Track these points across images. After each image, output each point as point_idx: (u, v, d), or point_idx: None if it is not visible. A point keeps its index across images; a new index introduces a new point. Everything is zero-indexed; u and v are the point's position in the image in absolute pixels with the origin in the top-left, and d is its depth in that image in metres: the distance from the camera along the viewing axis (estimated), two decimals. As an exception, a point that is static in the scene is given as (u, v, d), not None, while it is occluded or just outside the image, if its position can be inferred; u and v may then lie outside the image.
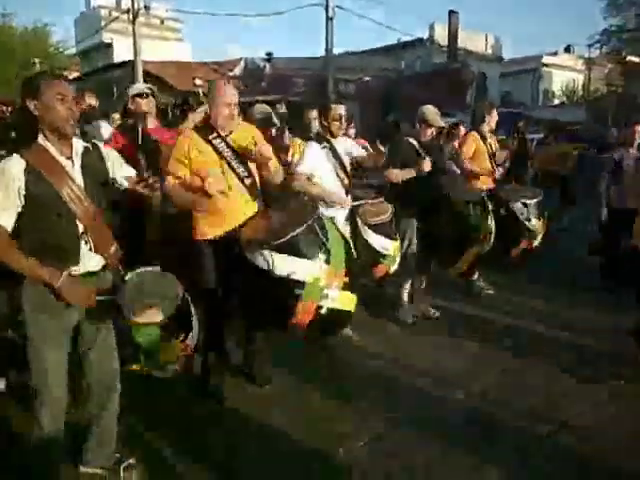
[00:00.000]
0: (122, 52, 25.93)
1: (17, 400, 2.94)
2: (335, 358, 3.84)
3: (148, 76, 16.72)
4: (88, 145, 2.28)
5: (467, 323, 4.45)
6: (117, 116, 5.33)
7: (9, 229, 2.05)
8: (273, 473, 2.60)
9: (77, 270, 2.16)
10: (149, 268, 2.37)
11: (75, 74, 27.75)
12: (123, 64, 20.17)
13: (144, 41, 20.32)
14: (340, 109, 3.84)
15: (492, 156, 5.03)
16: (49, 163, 2.10)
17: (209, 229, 3.02)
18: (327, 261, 2.69)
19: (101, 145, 2.44)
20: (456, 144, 5.80)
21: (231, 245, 2.87)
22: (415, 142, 4.33)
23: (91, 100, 4.38)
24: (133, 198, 3.65)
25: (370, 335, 4.13)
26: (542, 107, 28.08)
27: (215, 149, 2.98)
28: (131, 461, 2.47)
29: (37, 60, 28.64)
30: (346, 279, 2.80)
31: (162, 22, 45.50)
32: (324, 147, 3.77)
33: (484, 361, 3.75)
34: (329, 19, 15.11)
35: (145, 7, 19.13)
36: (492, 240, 4.41)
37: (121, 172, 2.43)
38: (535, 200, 4.68)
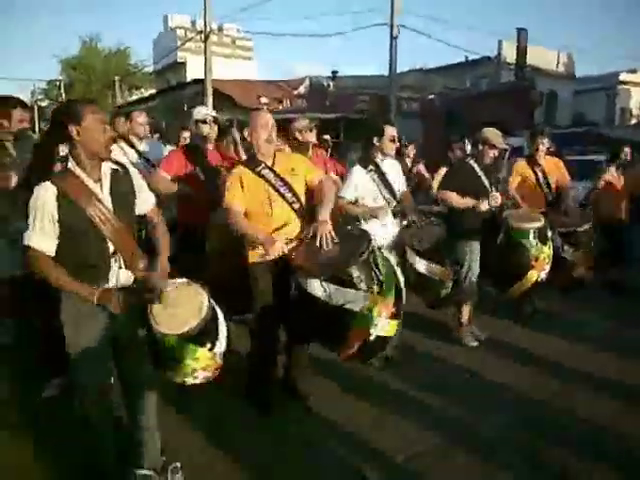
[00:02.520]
0: (195, 71, 27.16)
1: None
2: (380, 374, 3.80)
3: (216, 94, 17.41)
4: (116, 167, 2.40)
5: (517, 346, 4.31)
6: (187, 134, 5.55)
7: (51, 252, 2.21)
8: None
9: (109, 286, 2.31)
10: (177, 280, 2.46)
11: (150, 91, 29.29)
12: (194, 82, 21.11)
13: (216, 60, 21.21)
14: (393, 130, 3.86)
15: (547, 181, 4.89)
16: (79, 188, 2.22)
17: (260, 254, 3.10)
18: (380, 292, 2.77)
19: (129, 167, 2.56)
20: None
21: (282, 268, 3.00)
22: (476, 165, 4.28)
23: (142, 120, 4.56)
24: (190, 214, 3.85)
25: (416, 355, 4.10)
26: (618, 127, 26.76)
27: (265, 180, 3.13)
28: (177, 464, 2.58)
29: (117, 78, 30.53)
30: (394, 309, 2.85)
31: (234, 42, 47.38)
32: (370, 170, 3.78)
33: (532, 385, 3.61)
34: (393, 38, 15.16)
35: (218, 28, 20.02)
36: (549, 267, 4.27)
37: (141, 200, 2.50)
38: (572, 229, 4.52)
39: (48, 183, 2.18)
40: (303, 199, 3.22)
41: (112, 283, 2.33)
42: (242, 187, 3.10)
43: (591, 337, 4.45)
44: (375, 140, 3.83)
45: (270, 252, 2.93)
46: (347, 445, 2.94)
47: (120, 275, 2.35)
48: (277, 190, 3.12)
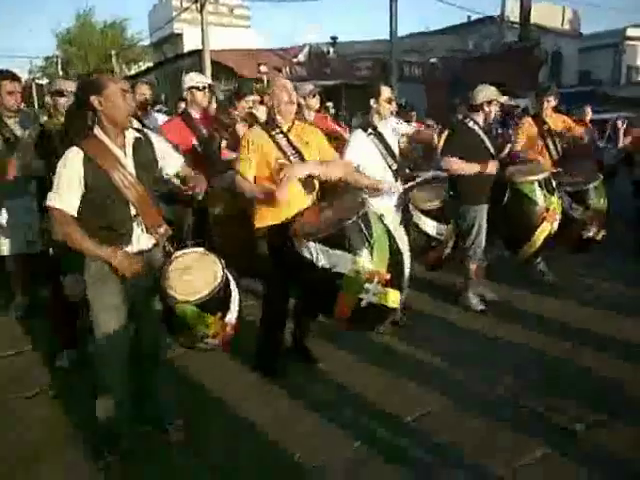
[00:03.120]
0: (192, 41, 26.71)
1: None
2: (389, 341, 3.82)
3: (215, 64, 17.16)
4: (139, 135, 2.47)
5: (524, 310, 4.30)
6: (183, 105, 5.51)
7: (74, 212, 2.28)
8: (319, 446, 2.67)
9: (131, 249, 2.38)
10: (193, 249, 2.56)
11: (148, 64, 28.91)
12: (191, 53, 20.79)
13: (213, 29, 20.84)
14: (388, 91, 3.77)
15: (553, 139, 4.82)
16: (104, 153, 2.31)
17: (268, 218, 3.13)
18: (369, 257, 2.76)
19: (152, 135, 2.62)
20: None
21: (284, 236, 3.00)
22: (477, 128, 4.18)
23: (145, 91, 4.57)
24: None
25: (427, 320, 4.12)
26: (624, 85, 26.23)
27: (277, 144, 3.11)
28: (180, 421, 2.70)
29: (114, 52, 30.08)
30: (388, 276, 2.80)
31: (231, 10, 46.39)
32: (370, 134, 3.71)
33: (542, 347, 3.63)
34: (393, 1, 14.80)
35: (215, -3, 19.60)
36: (559, 219, 4.24)
37: (169, 163, 2.62)
38: (581, 187, 4.47)
39: (75, 147, 2.27)
40: None
41: (134, 246, 2.39)
42: (253, 152, 3.09)
43: (602, 299, 4.46)
44: (372, 102, 3.76)
45: (280, 196, 2.92)
46: (358, 406, 2.99)
47: (141, 239, 2.42)
48: (287, 157, 3.10)
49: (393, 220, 3.67)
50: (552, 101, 4.86)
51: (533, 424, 2.81)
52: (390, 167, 3.75)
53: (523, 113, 6.86)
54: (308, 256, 2.74)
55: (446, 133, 4.38)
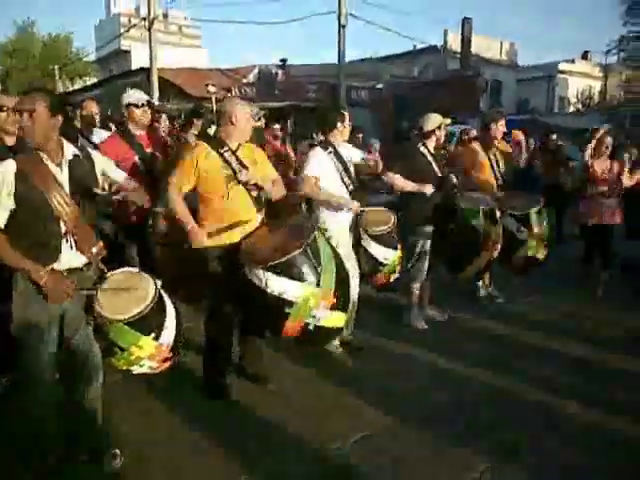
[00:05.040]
0: (140, 59, 26.35)
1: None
2: (335, 359, 3.86)
3: (163, 82, 16.97)
4: (78, 152, 2.44)
5: (471, 328, 4.48)
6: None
7: (1, 225, 2.25)
8: (268, 466, 2.67)
9: (58, 266, 2.33)
10: (127, 268, 2.53)
11: (93, 80, 28.24)
12: (139, 71, 20.49)
13: (162, 48, 20.66)
14: (347, 116, 3.90)
15: (498, 164, 5.00)
16: (39, 169, 2.29)
17: (212, 238, 3.11)
18: (317, 283, 2.83)
19: (93, 152, 2.61)
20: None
21: (233, 255, 3.02)
22: (428, 154, 4.37)
23: (93, 108, 4.51)
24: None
25: (373, 338, 4.19)
26: (557, 114, 27.86)
27: (225, 161, 3.12)
28: (117, 451, 2.63)
29: (57, 67, 29.20)
30: (334, 300, 2.89)
31: (180, 29, 46.15)
32: (329, 152, 3.80)
33: (483, 365, 3.76)
34: (341, 27, 15.20)
35: (164, 15, 19.49)
36: (499, 247, 4.44)
37: (114, 174, 2.64)
38: (526, 211, 4.68)
39: (10, 160, 2.26)
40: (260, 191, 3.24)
41: (62, 264, 2.34)
42: (197, 167, 3.07)
43: (546, 317, 4.73)
44: (338, 124, 3.84)
45: (193, 243, 3.03)
46: (307, 426, 3.00)
47: (71, 257, 2.37)
48: (237, 175, 3.10)
49: (348, 242, 3.77)
50: (501, 127, 5.07)
51: (477, 440, 2.88)
52: (347, 187, 3.85)
53: (463, 137, 7.14)
54: (257, 282, 2.79)
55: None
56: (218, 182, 3.08)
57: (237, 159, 3.14)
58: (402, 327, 4.45)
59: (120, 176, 2.68)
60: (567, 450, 2.78)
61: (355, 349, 3.98)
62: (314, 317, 2.82)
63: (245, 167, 3.13)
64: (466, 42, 21.21)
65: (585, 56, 34.23)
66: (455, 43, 23.80)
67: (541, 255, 4.77)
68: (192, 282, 3.42)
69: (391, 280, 4.09)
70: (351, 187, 3.88)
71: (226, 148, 3.15)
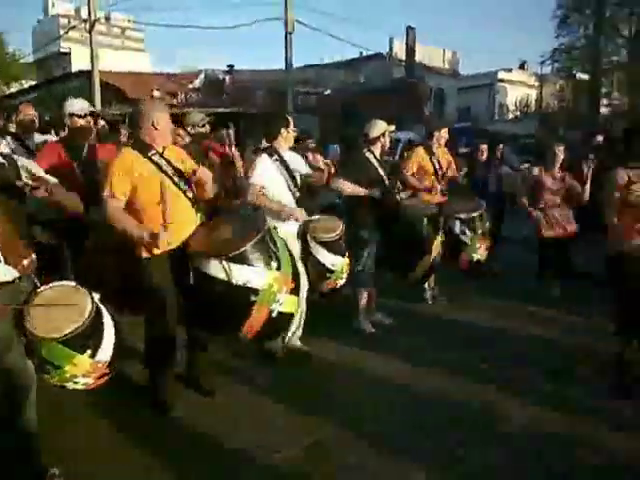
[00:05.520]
0: (81, 61, 25.52)
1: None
2: (283, 367, 3.85)
3: (105, 86, 16.50)
4: (3, 161, 2.33)
5: (418, 331, 4.54)
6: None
7: None
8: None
9: None
10: (63, 282, 2.38)
11: (30, 82, 27.08)
12: (80, 74, 19.84)
13: (104, 51, 20.10)
14: (291, 121, 3.92)
15: (439, 172, 5.15)
16: None
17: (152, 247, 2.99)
18: (278, 268, 2.93)
19: (21, 159, 2.49)
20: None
21: (179, 258, 2.97)
22: (374, 159, 4.44)
23: (30, 112, 4.34)
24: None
25: (321, 343, 4.17)
26: (497, 121, 29.03)
27: (156, 165, 3.02)
28: (55, 471, 2.49)
29: (-10, 69, 27.81)
30: (293, 284, 3.02)
31: (123, 32, 45.00)
32: (275, 159, 3.80)
33: (432, 367, 3.81)
34: (288, 33, 15.29)
35: (105, 17, 18.97)
36: (441, 251, 4.59)
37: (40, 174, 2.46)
38: (471, 215, 4.88)
39: None
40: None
41: None
42: (130, 175, 2.94)
43: (491, 315, 4.85)
44: (283, 131, 3.83)
45: (158, 246, 2.88)
46: (256, 435, 2.97)
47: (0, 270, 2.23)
48: (170, 178, 3.03)
49: (296, 250, 3.77)
50: (444, 135, 5.21)
51: (427, 440, 2.92)
52: (293, 194, 3.86)
53: (410, 144, 7.34)
54: (220, 275, 2.78)
55: (340, 160, 4.64)
56: (153, 188, 2.95)
57: (167, 162, 3.06)
58: (351, 332, 4.48)
59: (44, 175, 2.50)
60: (502, 451, 2.83)
61: (303, 356, 3.97)
62: (278, 302, 2.90)
63: (178, 170, 3.07)
64: (410, 50, 21.76)
65: (522, 66, 35.88)
66: (400, 51, 24.38)
67: (483, 256, 4.98)
68: (131, 293, 3.30)
69: (338, 286, 4.15)
70: (297, 194, 3.90)
71: (154, 152, 3.05)
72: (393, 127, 4.68)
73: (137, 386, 3.45)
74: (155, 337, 3.18)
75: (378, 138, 4.43)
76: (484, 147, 6.21)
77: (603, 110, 22.49)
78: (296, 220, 3.82)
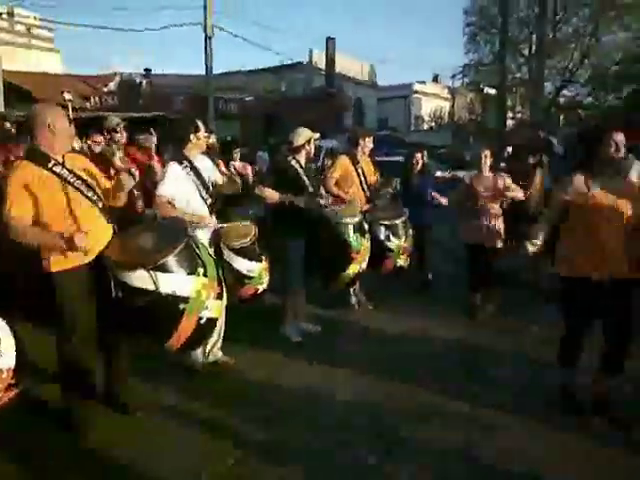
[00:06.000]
0: (-20, 59, 23.63)
1: None
2: (204, 380, 3.75)
3: (8, 87, 15.43)
4: None
5: (345, 337, 4.61)
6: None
7: None
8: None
9: None
10: None
11: None
12: (-20, 73, 18.39)
13: (7, 49, 18.79)
14: (204, 127, 3.81)
15: (364, 179, 5.23)
16: None
17: (66, 258, 2.81)
18: (205, 274, 2.90)
19: None
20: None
21: (96, 270, 2.83)
22: (299, 167, 4.44)
23: None
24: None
25: (245, 353, 4.12)
26: (413, 131, 30.27)
27: (59, 177, 2.81)
28: None
29: None
30: (218, 289, 3.01)
31: (29, 30, 42.16)
32: (185, 167, 3.67)
33: (356, 374, 3.85)
34: (208, 38, 15.08)
35: (8, 13, 17.76)
36: (367, 258, 4.69)
37: None
38: (395, 221, 5.03)
39: None
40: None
41: None
42: (30, 190, 2.71)
43: (417, 319, 4.94)
44: (192, 137, 3.71)
45: (80, 247, 2.67)
46: (172, 460, 2.86)
47: None
48: (77, 189, 2.85)
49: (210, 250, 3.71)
50: (369, 144, 5.27)
51: (327, 458, 2.88)
52: (205, 201, 3.76)
53: (331, 152, 7.45)
54: (147, 286, 2.69)
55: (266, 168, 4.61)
56: (58, 203, 2.77)
57: (70, 172, 2.85)
58: (276, 340, 4.45)
59: None
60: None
61: (225, 367, 3.89)
62: (207, 308, 2.88)
63: (83, 180, 2.90)
64: (330, 60, 22.18)
65: (435, 79, 37.70)
66: (320, 61, 24.78)
67: (406, 261, 5.15)
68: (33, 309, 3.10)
69: (258, 293, 4.12)
70: (210, 201, 3.78)
71: (53, 162, 2.82)
72: (318, 135, 4.73)
73: (51, 407, 3.23)
74: (68, 358, 2.97)
75: (303, 146, 4.45)
76: (419, 156, 6.06)
77: (509, 122, 24.03)
78: (207, 226, 3.72)
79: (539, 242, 3.28)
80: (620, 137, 2.99)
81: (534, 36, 23.69)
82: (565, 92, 26.47)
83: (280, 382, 3.75)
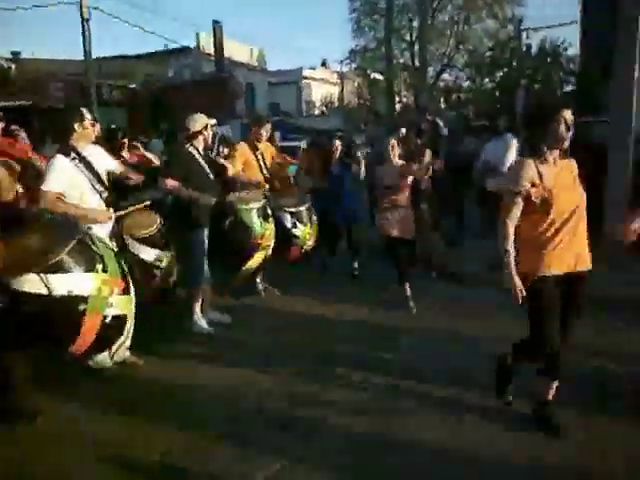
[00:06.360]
0: None
1: None
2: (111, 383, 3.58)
3: None
4: None
5: (255, 326, 4.61)
6: None
7: None
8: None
9: None
10: None
11: None
12: None
13: None
14: (89, 115, 3.60)
15: (264, 164, 5.24)
16: None
17: None
18: (105, 270, 2.76)
19: None
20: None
21: None
22: (197, 154, 4.33)
23: None
24: None
25: (153, 351, 3.99)
26: (305, 117, 30.55)
27: None
28: None
29: None
30: (123, 284, 2.90)
31: None
32: (73, 159, 3.44)
33: (271, 363, 3.88)
34: (85, 20, 14.06)
35: None
36: (272, 243, 4.72)
37: None
38: (300, 208, 5.11)
39: None
40: None
41: None
42: None
43: (321, 302, 5.08)
44: (76, 126, 3.50)
45: None
46: (100, 456, 2.76)
47: None
48: None
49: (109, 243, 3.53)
50: (267, 130, 5.26)
51: (277, 439, 2.91)
52: (100, 193, 3.56)
53: (224, 140, 7.29)
54: (39, 290, 2.52)
55: (164, 158, 4.45)
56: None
57: None
58: (185, 333, 4.36)
59: None
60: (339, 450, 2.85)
61: (133, 367, 3.75)
62: (111, 305, 2.79)
63: None
64: (219, 45, 21.61)
65: (324, 64, 38.22)
66: (208, 46, 24.07)
67: (310, 247, 5.27)
68: None
69: (169, 283, 4.02)
70: (104, 194, 3.59)
71: None
72: (214, 121, 4.65)
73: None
74: None
75: (200, 132, 4.35)
76: (338, 143, 5.92)
77: (397, 107, 25.02)
78: (102, 222, 3.51)
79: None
80: (570, 115, 2.59)
81: (414, 23, 24.83)
82: (445, 76, 28.14)
83: (193, 378, 3.67)
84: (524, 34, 22.27)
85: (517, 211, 2.68)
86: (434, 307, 4.86)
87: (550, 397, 2.89)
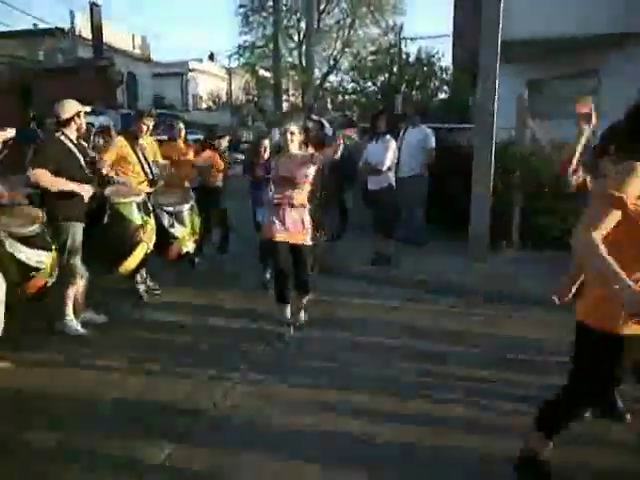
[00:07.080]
0: None
1: None
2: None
3: None
4: None
5: (135, 326, 4.46)
6: None
7: None
8: None
9: None
10: None
11: None
12: None
13: None
14: None
15: (144, 159, 5.00)
16: None
17: None
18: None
19: None
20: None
21: None
22: (69, 142, 4.04)
23: None
24: None
25: (21, 354, 3.74)
26: (193, 110, 29.76)
27: None
28: None
29: None
30: None
31: None
32: None
33: (144, 363, 3.78)
34: None
35: None
36: (153, 238, 4.56)
37: None
38: (179, 208, 4.99)
39: None
40: None
41: None
42: None
43: (205, 300, 5.03)
44: None
45: None
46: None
47: None
48: None
49: None
50: (150, 123, 5.00)
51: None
52: None
53: (102, 130, 6.91)
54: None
55: (33, 147, 4.11)
56: None
57: None
58: (57, 334, 4.11)
59: None
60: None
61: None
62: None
63: None
64: (96, 29, 20.25)
65: (212, 57, 37.42)
66: (84, 29, 22.48)
67: (191, 248, 5.16)
68: None
69: (48, 285, 3.77)
70: None
71: None
72: (88, 108, 4.38)
73: None
74: None
75: (72, 119, 4.06)
76: (266, 143, 5.63)
77: (285, 105, 25.20)
78: None
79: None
80: None
81: (302, 23, 25.19)
82: (331, 78, 28.85)
83: (63, 383, 3.46)
84: (403, 42, 23.54)
85: (610, 223, 1.93)
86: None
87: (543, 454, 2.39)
